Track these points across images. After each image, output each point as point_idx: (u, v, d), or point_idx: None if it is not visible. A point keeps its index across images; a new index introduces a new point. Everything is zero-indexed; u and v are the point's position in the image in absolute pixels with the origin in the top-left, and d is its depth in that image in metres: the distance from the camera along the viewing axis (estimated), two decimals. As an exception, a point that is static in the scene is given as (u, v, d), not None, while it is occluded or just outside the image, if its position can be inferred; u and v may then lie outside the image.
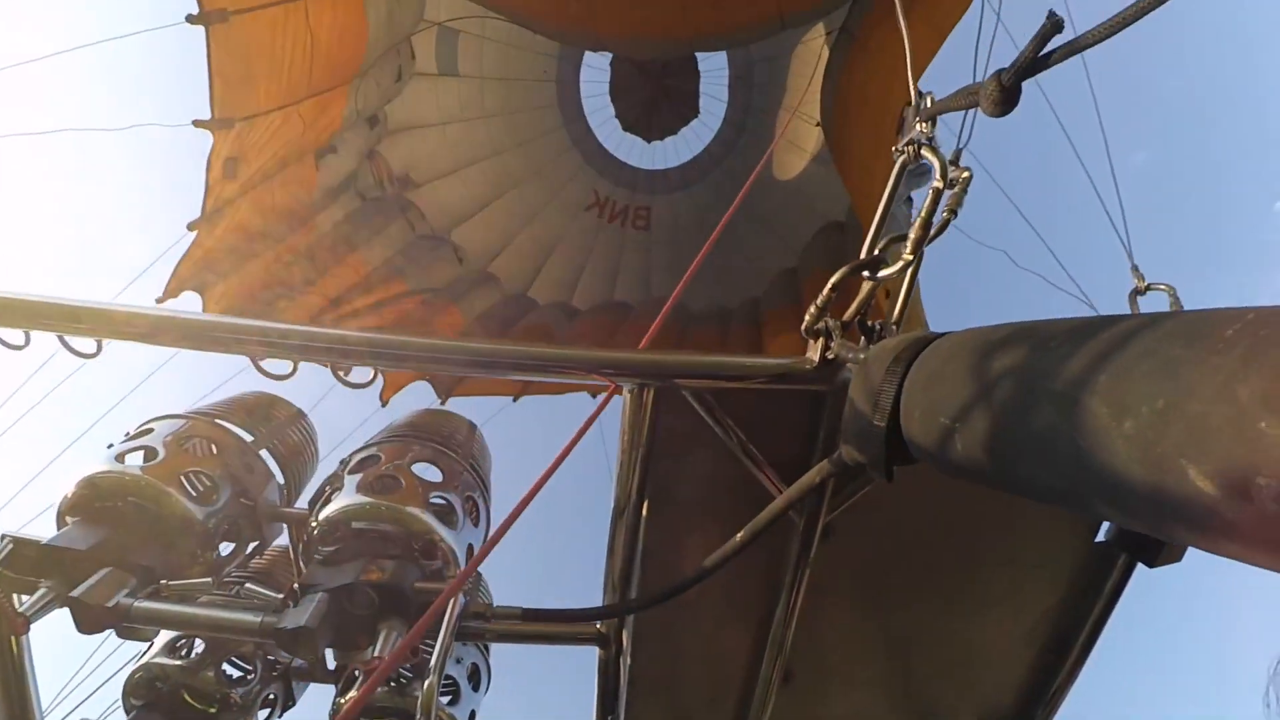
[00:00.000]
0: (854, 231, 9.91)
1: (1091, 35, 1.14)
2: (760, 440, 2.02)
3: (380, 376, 1.92)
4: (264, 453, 2.42)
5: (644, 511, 2.10)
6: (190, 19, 6.05)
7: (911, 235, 1.58)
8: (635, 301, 11.80)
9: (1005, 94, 1.30)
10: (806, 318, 1.69)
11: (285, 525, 2.39)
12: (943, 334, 1.32)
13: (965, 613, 2.35)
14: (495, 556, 2.32)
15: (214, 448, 2.30)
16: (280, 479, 2.47)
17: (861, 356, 1.55)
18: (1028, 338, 1.06)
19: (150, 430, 2.29)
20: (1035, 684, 2.42)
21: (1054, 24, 1.20)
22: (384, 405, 8.82)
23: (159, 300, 7.16)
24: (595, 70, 12.17)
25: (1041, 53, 1.22)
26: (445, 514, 2.14)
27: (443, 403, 10.66)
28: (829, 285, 1.63)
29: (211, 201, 7.04)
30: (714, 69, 11.97)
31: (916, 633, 2.38)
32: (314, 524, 2.13)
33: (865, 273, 1.61)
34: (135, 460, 2.17)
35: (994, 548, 2.25)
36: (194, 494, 2.19)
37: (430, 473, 2.22)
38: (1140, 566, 2.20)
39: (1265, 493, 0.63)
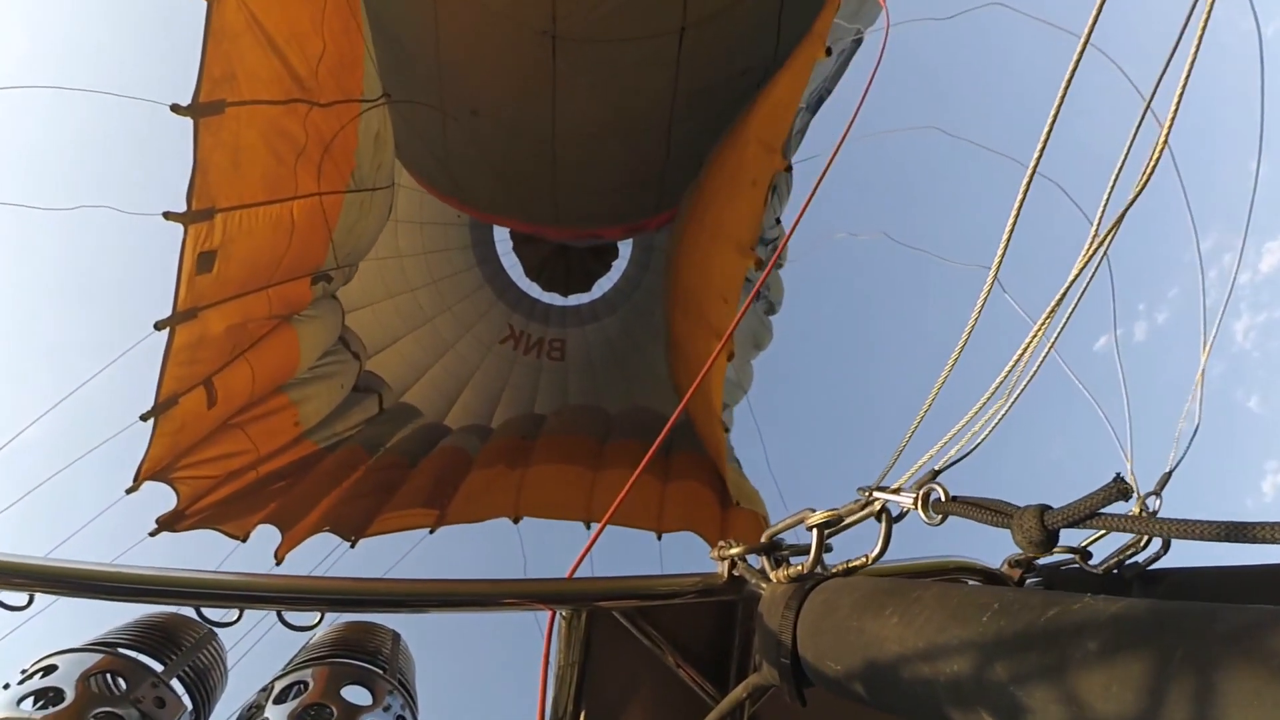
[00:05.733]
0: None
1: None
2: (684, 644, 2.20)
3: (323, 616, 1.97)
4: (174, 680, 2.33)
5: None
6: (176, 110, 5.63)
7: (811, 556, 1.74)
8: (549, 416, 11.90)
9: (1048, 537, 1.14)
10: (714, 552, 1.96)
11: (196, 760, 2.28)
12: (818, 581, 1.65)
13: None
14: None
15: (123, 682, 2.20)
16: (189, 705, 2.36)
17: (763, 587, 1.81)
18: (870, 603, 1.42)
19: (53, 668, 2.17)
20: None
21: (1121, 490, 1.04)
22: (279, 564, 8.25)
23: (144, 416, 6.46)
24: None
25: (1096, 512, 1.09)
26: (376, 739, 2.13)
27: (352, 546, 10.10)
28: (733, 551, 1.90)
29: (184, 298, 6.32)
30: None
31: None
32: None
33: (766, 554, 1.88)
34: (40, 703, 2.05)
35: None
36: (100, 738, 2.07)
37: (359, 695, 2.21)
38: None
39: None
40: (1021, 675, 1.01)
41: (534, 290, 13.07)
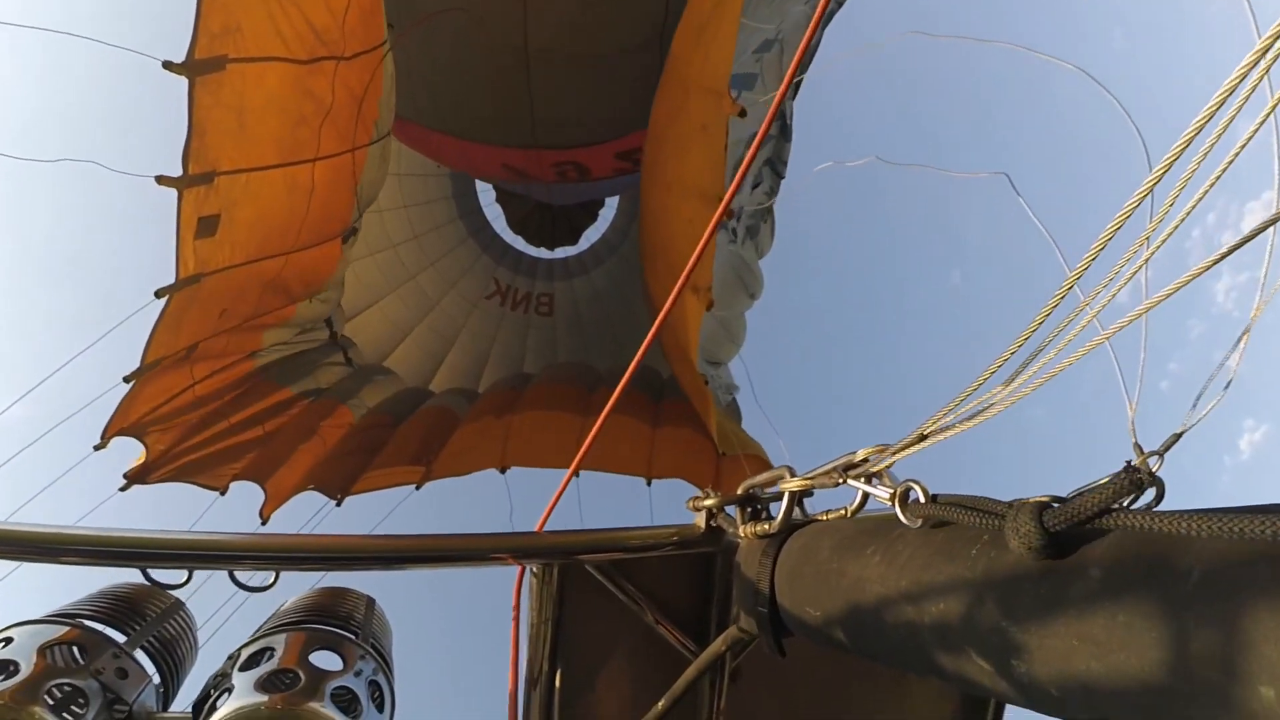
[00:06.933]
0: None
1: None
2: (661, 598, 2.14)
3: (277, 577, 1.89)
4: (139, 652, 2.25)
5: (557, 680, 2.13)
6: (169, 67, 5.19)
7: (783, 507, 1.68)
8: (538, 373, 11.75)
9: (1050, 541, 0.89)
10: (690, 503, 1.87)
11: (165, 732, 2.21)
12: (792, 530, 1.60)
13: None
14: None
15: (84, 654, 2.12)
16: (156, 679, 2.29)
17: (741, 535, 1.73)
18: (851, 544, 1.35)
19: (9, 640, 2.09)
20: None
21: (1134, 482, 0.86)
22: (264, 523, 8.23)
23: (127, 378, 6.32)
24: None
25: (1109, 509, 0.86)
26: (349, 704, 2.07)
27: (338, 504, 10.04)
28: (709, 502, 1.81)
29: (185, 264, 6.02)
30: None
31: None
32: None
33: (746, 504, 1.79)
34: (-8, 679, 1.96)
35: (885, 669, 2.41)
36: (61, 711, 2.00)
37: (330, 660, 2.14)
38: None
39: (1017, 669, 0.91)
40: (1016, 610, 0.92)
41: (519, 243, 12.81)
